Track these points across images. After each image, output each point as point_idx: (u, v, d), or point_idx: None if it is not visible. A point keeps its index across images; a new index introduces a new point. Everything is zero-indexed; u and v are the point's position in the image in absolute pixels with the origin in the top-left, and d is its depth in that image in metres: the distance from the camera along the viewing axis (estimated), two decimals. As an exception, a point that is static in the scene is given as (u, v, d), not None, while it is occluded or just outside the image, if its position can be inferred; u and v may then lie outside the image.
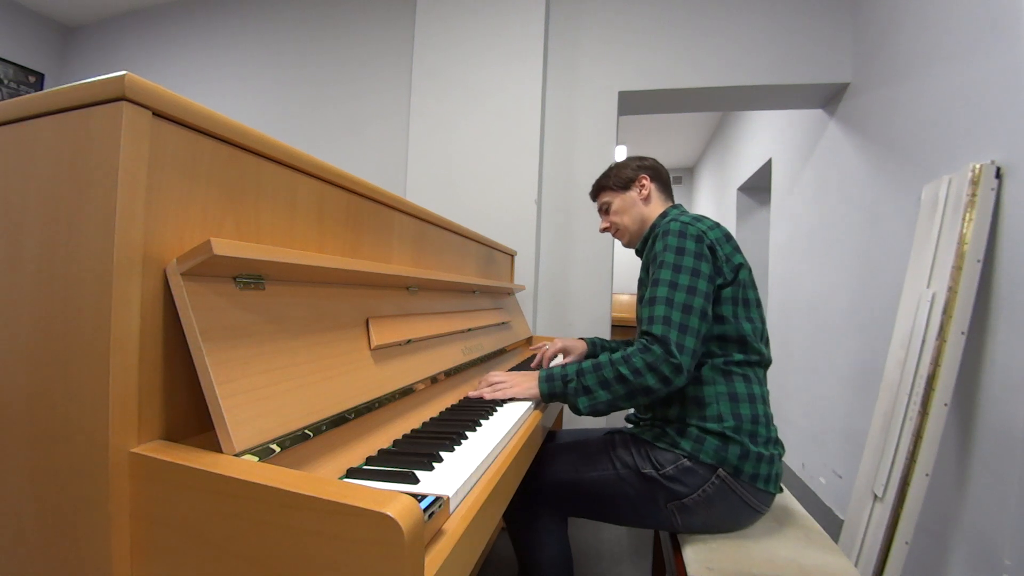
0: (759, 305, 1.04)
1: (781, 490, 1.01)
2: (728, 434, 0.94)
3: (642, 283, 1.10)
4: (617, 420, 2.07)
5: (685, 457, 0.95)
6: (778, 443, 0.99)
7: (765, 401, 1.00)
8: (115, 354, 0.45)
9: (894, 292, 1.61)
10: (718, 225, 1.05)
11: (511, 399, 1.00)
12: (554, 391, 0.99)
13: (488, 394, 1.01)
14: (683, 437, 0.97)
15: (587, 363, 0.96)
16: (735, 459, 0.93)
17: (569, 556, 1.07)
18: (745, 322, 0.99)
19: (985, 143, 1.29)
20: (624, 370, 0.91)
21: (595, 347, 1.45)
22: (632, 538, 1.85)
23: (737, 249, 1.04)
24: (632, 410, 1.13)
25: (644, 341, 0.92)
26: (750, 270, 1.04)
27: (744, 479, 0.93)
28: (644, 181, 1.21)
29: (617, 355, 0.93)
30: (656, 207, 1.21)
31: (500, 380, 1.04)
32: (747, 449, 0.93)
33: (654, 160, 1.25)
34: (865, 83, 1.95)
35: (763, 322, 1.04)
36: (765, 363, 1.03)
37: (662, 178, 1.23)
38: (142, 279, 0.48)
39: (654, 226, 1.14)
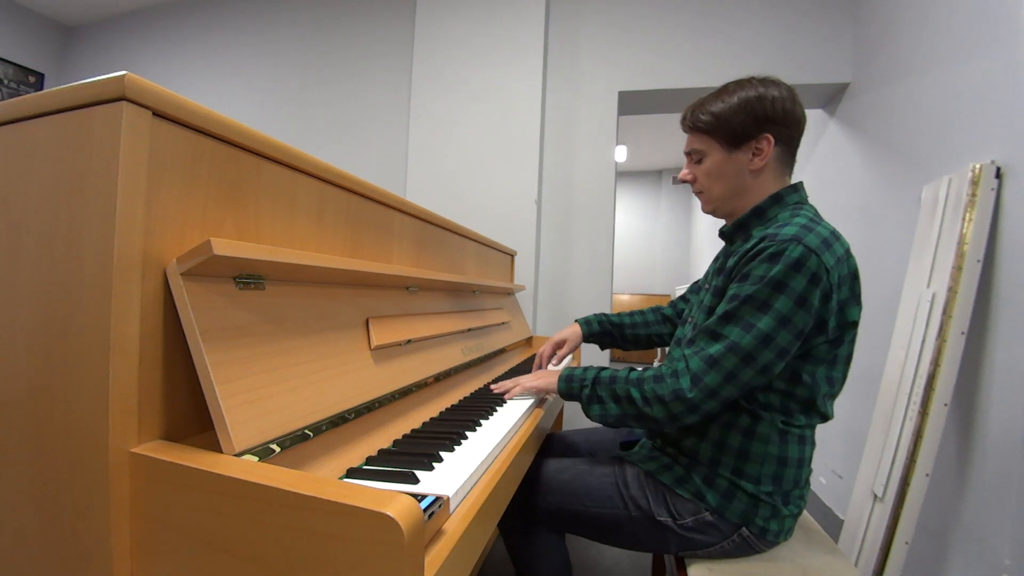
0: (848, 360, 0.84)
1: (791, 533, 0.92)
2: (762, 497, 0.83)
3: (718, 292, 0.85)
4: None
5: (708, 511, 0.86)
6: (805, 495, 0.90)
7: (810, 461, 0.89)
8: (115, 354, 0.45)
9: (894, 292, 1.61)
10: (848, 255, 0.80)
11: (531, 389, 1.04)
12: (571, 391, 0.95)
13: (510, 384, 1.05)
14: (710, 488, 0.86)
15: (606, 372, 0.91)
16: (762, 520, 0.84)
17: (569, 566, 1.03)
18: (824, 384, 0.82)
19: (985, 143, 1.29)
20: (635, 393, 0.83)
21: (589, 326, 1.29)
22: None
23: (857, 296, 0.81)
24: None
25: (663, 369, 0.82)
26: (858, 320, 0.82)
27: (769, 537, 0.86)
28: (765, 144, 0.85)
29: (635, 375, 0.86)
30: (768, 184, 0.88)
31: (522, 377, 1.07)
32: (778, 511, 0.84)
33: (794, 102, 0.85)
34: (865, 83, 1.95)
35: (844, 380, 0.86)
36: (826, 419, 0.87)
37: (794, 140, 0.87)
38: (142, 279, 0.48)
39: (760, 212, 0.88)
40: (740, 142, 0.86)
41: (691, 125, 0.91)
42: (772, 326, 0.74)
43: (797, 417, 0.83)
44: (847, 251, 0.81)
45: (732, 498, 0.84)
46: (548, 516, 0.97)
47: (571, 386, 0.95)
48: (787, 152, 0.89)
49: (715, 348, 0.77)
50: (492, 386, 1.08)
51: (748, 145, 0.86)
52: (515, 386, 1.04)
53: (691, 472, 0.88)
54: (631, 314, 1.33)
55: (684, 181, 0.95)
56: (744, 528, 0.85)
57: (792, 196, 0.88)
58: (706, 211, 0.97)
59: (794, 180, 0.92)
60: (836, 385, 0.84)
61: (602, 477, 0.96)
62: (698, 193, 0.96)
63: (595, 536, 0.97)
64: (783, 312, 0.74)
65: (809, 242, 0.75)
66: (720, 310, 0.80)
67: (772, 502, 0.84)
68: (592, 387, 0.91)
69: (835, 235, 0.81)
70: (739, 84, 0.87)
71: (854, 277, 0.81)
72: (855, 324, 0.81)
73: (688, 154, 0.94)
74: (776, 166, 0.88)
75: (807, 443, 0.86)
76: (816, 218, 0.84)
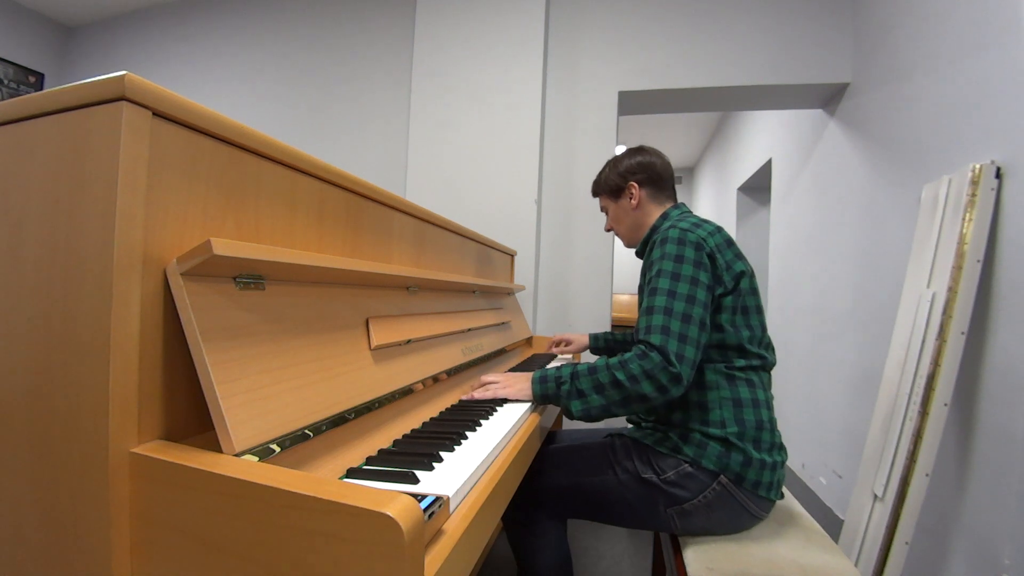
0: (760, 311, 1.01)
1: (782, 496, 0.99)
2: (731, 440, 0.92)
3: (642, 289, 1.05)
4: (618, 420, 2.06)
5: (687, 463, 0.94)
6: (782, 449, 0.98)
7: (769, 406, 0.98)
8: (115, 354, 0.45)
9: (894, 292, 1.61)
10: (719, 230, 1.02)
11: (504, 400, 0.98)
12: (547, 392, 0.95)
13: (479, 395, 0.99)
14: (686, 443, 0.95)
15: (583, 366, 0.94)
16: (737, 466, 0.91)
17: (569, 559, 1.06)
18: (744, 329, 0.98)
19: (985, 143, 1.29)
20: (620, 375, 0.87)
21: (596, 340, 1.56)
22: (632, 538, 1.85)
23: (739, 255, 1.01)
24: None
25: (642, 348, 0.89)
26: (752, 276, 1.01)
27: (746, 486, 0.91)
28: (633, 190, 1.15)
29: (614, 360, 0.90)
30: (652, 211, 1.16)
31: (492, 381, 1.02)
32: (750, 456, 0.92)
33: (648, 157, 1.16)
34: (865, 83, 1.95)
35: (763, 328, 1.01)
36: (768, 366, 1.01)
37: (656, 180, 1.16)
38: (142, 279, 0.48)
39: (655, 228, 1.12)
40: (618, 193, 1.20)
41: (594, 191, 1.27)
42: (688, 287, 0.92)
43: (735, 360, 0.98)
44: (717, 228, 1.03)
45: (705, 447, 0.94)
46: (546, 494, 1.03)
47: (546, 387, 0.96)
48: (657, 189, 1.16)
49: (657, 319, 0.90)
50: (463, 396, 1.00)
51: (624, 193, 1.18)
52: (486, 395, 0.99)
53: (668, 433, 0.99)
54: (627, 337, 1.54)
55: (608, 230, 1.28)
56: (722, 476, 0.92)
57: (674, 212, 1.14)
58: (626, 247, 1.26)
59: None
60: (756, 331, 1.00)
61: (594, 448, 1.05)
62: (617, 235, 1.26)
63: (591, 511, 1.02)
64: (690, 275, 0.93)
65: (682, 225, 0.99)
66: (647, 291, 0.97)
67: (742, 445, 0.92)
68: (571, 382, 0.93)
69: (703, 220, 1.04)
70: (615, 158, 1.21)
71: (729, 243, 1.01)
72: (744, 274, 0.99)
73: (602, 210, 1.28)
74: (651, 200, 1.16)
75: (756, 386, 0.98)
76: (687, 214, 1.11)
